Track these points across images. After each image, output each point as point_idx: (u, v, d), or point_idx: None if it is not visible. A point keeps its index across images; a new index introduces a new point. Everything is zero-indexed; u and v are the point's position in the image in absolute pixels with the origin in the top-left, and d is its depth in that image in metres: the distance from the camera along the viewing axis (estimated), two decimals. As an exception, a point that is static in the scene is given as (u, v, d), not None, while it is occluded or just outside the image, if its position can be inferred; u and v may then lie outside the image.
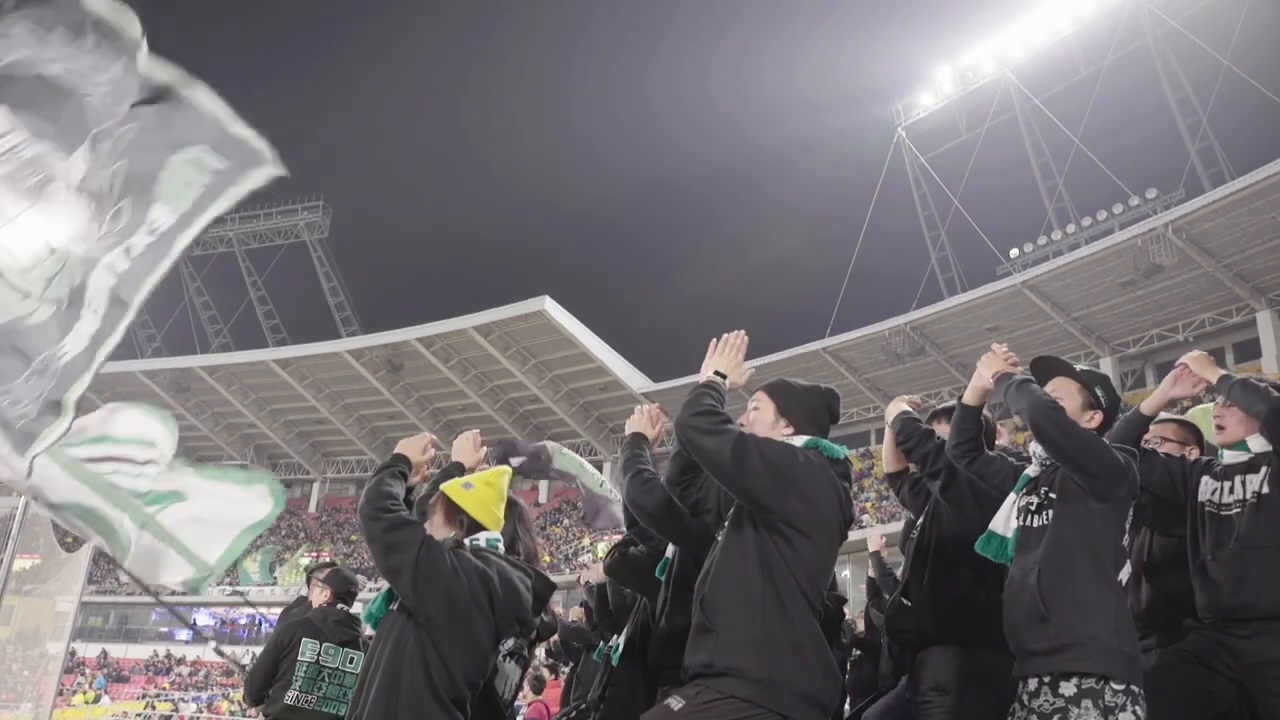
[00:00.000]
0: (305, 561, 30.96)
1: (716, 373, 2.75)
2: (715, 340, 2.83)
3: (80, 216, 2.88)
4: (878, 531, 6.26)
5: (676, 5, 71.31)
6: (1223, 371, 3.24)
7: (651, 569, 3.41)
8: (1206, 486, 3.20)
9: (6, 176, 2.69)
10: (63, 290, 3.02)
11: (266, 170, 2.98)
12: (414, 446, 3.08)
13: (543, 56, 79.37)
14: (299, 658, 4.79)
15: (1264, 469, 3.07)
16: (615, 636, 3.74)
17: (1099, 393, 2.95)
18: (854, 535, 6.61)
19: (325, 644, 4.82)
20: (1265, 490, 3.04)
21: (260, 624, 34.62)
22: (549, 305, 35.59)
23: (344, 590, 5.00)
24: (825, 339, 34.23)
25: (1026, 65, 37.42)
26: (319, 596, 5.19)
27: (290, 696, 4.70)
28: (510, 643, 3.19)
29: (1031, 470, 2.95)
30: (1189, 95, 34.28)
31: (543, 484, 41.86)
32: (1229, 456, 3.20)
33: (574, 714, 3.60)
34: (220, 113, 2.86)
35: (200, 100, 2.84)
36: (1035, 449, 2.97)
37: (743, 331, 2.81)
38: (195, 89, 2.81)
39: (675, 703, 2.45)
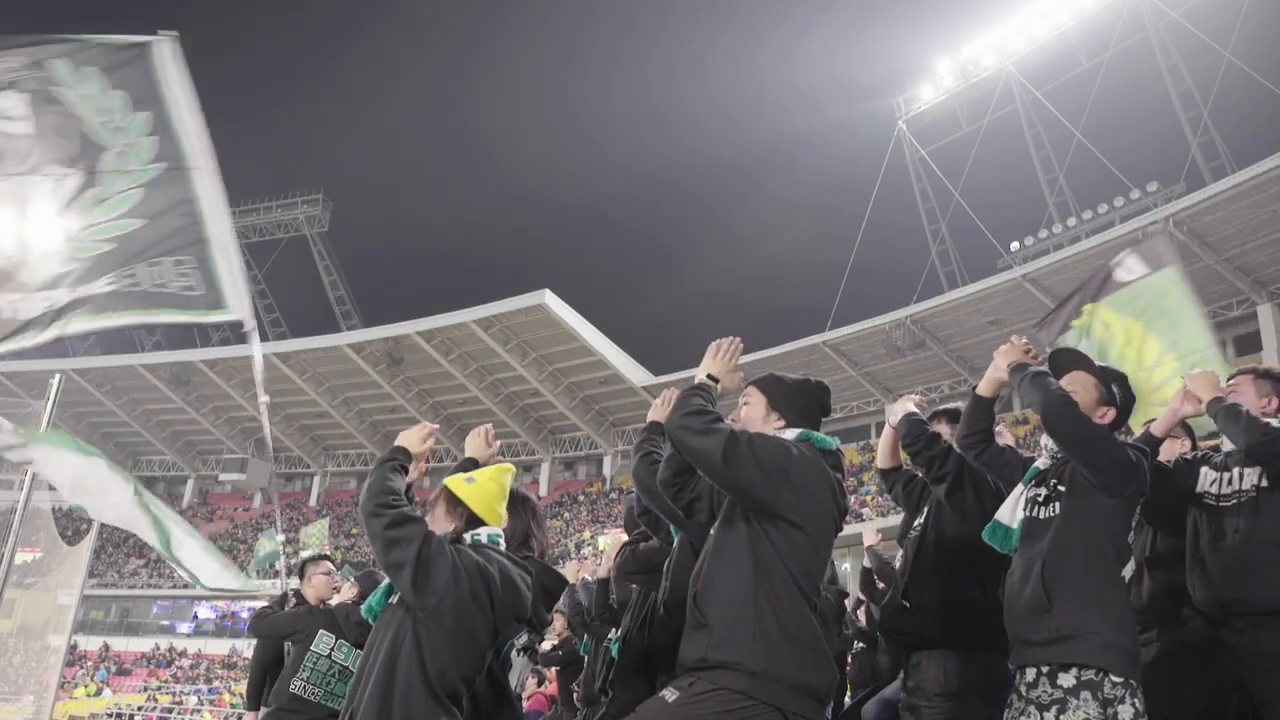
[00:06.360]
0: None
1: (709, 376, 2.77)
2: (714, 344, 2.85)
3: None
4: (875, 525, 6.27)
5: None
6: (1217, 394, 3.21)
7: (663, 563, 3.41)
8: (1206, 477, 3.21)
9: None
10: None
11: (219, 315, 3.57)
12: (414, 437, 2.99)
13: (544, 51, 79.27)
14: (311, 647, 4.74)
15: None
16: (615, 630, 3.75)
17: (1114, 389, 2.94)
18: (855, 529, 6.62)
19: (340, 640, 4.78)
20: (1264, 484, 3.05)
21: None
22: (549, 299, 35.54)
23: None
24: (825, 332, 34.18)
25: (1027, 58, 37.35)
26: (346, 593, 5.08)
27: (297, 686, 4.65)
28: (524, 638, 3.18)
29: (1041, 462, 2.96)
30: (1190, 88, 34.21)
31: (543, 477, 41.91)
32: (1230, 444, 3.20)
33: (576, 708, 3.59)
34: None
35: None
36: (1046, 441, 2.97)
37: (738, 338, 2.83)
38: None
39: (670, 694, 2.46)
